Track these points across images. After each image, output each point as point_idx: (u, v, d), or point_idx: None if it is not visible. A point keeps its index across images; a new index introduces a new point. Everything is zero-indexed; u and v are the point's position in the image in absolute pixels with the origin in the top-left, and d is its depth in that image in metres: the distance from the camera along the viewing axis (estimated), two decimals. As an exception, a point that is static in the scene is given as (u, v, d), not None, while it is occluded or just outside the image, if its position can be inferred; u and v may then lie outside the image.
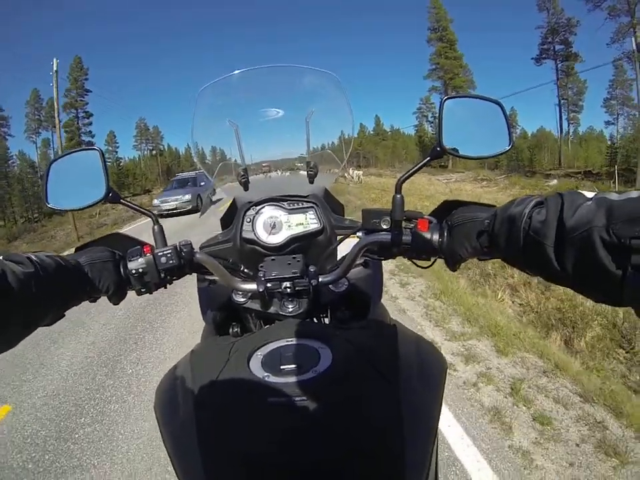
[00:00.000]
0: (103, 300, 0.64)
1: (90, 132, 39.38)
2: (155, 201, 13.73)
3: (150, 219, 0.72)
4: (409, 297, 3.88)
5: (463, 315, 3.27)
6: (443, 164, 38.77)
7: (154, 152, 54.42)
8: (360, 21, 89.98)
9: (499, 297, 3.93)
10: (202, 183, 14.11)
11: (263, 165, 1.12)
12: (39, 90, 37.10)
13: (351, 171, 23.02)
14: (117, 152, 49.44)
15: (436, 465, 0.61)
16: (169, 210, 12.81)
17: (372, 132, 57.21)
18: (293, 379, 0.52)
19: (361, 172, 24.03)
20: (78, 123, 38.35)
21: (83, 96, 38.23)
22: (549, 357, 2.57)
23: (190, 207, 12.90)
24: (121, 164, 42.89)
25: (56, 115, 14.09)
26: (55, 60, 13.07)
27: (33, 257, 0.50)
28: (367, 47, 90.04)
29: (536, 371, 2.46)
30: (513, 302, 4.02)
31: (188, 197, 13.27)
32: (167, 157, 56.96)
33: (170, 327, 3.62)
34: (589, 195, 0.40)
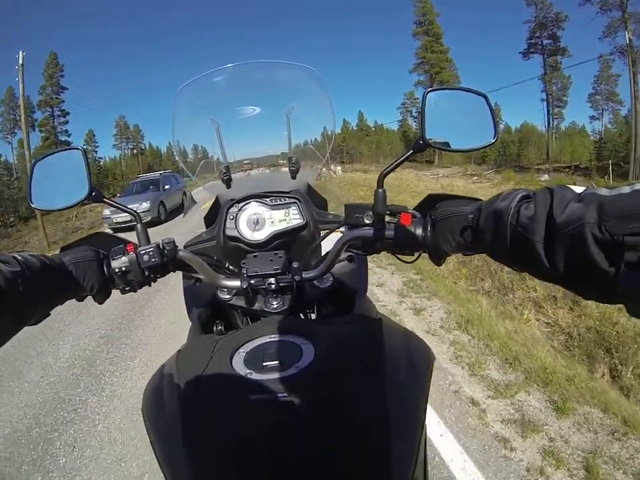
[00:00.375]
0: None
1: (66, 131, 37.83)
2: (106, 212, 10.30)
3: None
4: (429, 329, 3.12)
5: (499, 354, 2.64)
6: (428, 159, 38.83)
7: (134, 151, 52.91)
8: (342, 16, 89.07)
9: (524, 317, 3.42)
10: (166, 186, 11.80)
11: (245, 162, 1.12)
12: (14, 88, 35.27)
13: (333, 167, 23.84)
14: (96, 151, 48.05)
15: (424, 459, 0.60)
16: (121, 223, 9.56)
17: (355, 127, 56.84)
18: (275, 375, 0.52)
19: (339, 167, 25.09)
20: (54, 122, 36.82)
21: (58, 93, 36.51)
22: (614, 409, 2.07)
23: (149, 217, 9.67)
24: (101, 163, 41.70)
25: (22, 112, 12.97)
26: (20, 53, 11.97)
27: (18, 256, 0.50)
28: (349, 42, 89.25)
29: (605, 434, 1.94)
30: (538, 320, 3.56)
31: (146, 204, 10.02)
32: (149, 156, 55.68)
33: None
34: (578, 190, 0.40)
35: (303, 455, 0.44)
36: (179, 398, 0.53)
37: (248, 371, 0.54)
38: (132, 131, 52.82)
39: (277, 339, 0.61)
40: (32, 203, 0.69)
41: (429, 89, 0.61)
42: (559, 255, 0.38)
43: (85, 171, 0.67)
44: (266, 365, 0.54)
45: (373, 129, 56.90)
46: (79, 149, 0.69)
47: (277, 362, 0.55)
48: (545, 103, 36.40)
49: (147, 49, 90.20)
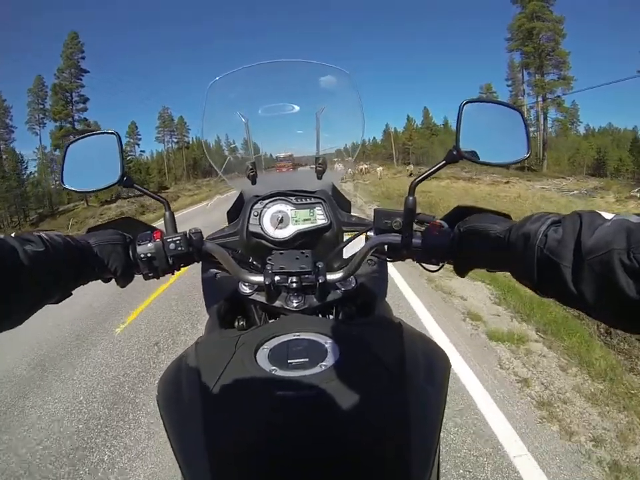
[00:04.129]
0: None
1: (85, 119, 33.45)
2: None
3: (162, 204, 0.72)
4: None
5: None
6: (531, 166, 30.99)
7: (179, 145, 48.87)
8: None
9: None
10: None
11: (281, 158, 1.13)
12: (42, 76, 31.73)
13: (364, 165, 24.21)
14: (138, 144, 43.97)
15: (438, 465, 0.60)
16: None
17: (420, 125, 49.29)
18: (301, 373, 0.52)
19: (380, 168, 25.49)
20: (71, 109, 32.51)
21: (78, 77, 32.32)
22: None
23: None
24: (129, 158, 37.04)
25: None
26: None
27: (44, 235, 0.51)
28: (415, 33, 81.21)
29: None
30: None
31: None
32: (196, 149, 51.46)
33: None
34: (608, 216, 0.39)
35: (328, 454, 0.44)
36: (200, 390, 0.53)
37: (273, 368, 0.54)
38: (176, 123, 48.91)
39: (301, 337, 0.61)
40: (63, 184, 0.70)
41: (466, 100, 0.60)
42: (586, 280, 0.37)
43: (118, 155, 0.67)
44: (291, 363, 0.54)
45: (442, 126, 48.90)
46: (113, 133, 0.69)
47: (302, 360, 0.55)
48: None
49: (195, 38, 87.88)
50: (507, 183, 22.47)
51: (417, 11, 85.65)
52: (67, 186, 0.70)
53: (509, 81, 39.90)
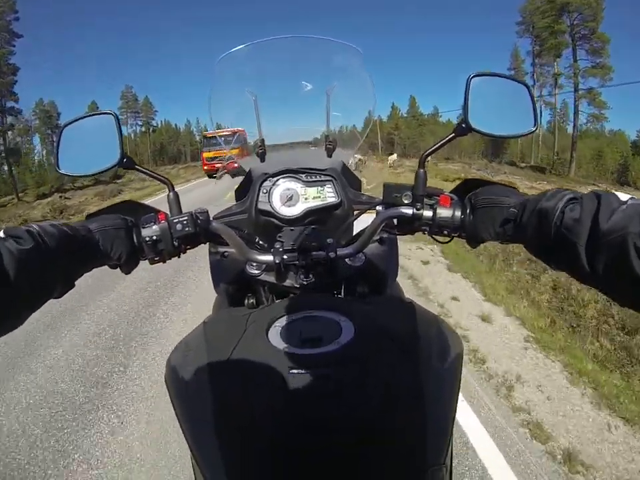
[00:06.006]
0: None
1: (13, 93, 26.83)
2: None
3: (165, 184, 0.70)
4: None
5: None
6: (554, 170, 28.17)
7: (144, 128, 43.87)
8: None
9: None
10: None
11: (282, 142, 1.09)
12: None
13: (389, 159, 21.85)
14: None
15: (452, 447, 0.59)
16: None
17: (406, 114, 45.93)
18: (314, 351, 0.51)
19: (394, 155, 23.39)
20: None
21: (8, 42, 25.54)
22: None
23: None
24: None
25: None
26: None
27: (35, 228, 0.47)
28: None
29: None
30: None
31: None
32: (163, 134, 46.51)
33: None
34: (624, 197, 0.41)
35: (343, 432, 0.44)
36: (210, 369, 0.52)
37: (285, 345, 0.53)
38: (141, 104, 43.71)
39: (314, 315, 0.60)
40: (59, 169, 0.67)
41: (474, 74, 0.61)
42: (600, 260, 0.39)
43: (116, 136, 0.65)
44: (304, 340, 0.54)
45: (427, 116, 45.58)
46: (110, 113, 0.66)
47: (315, 337, 0.54)
48: None
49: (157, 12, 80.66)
50: (532, 189, 19.28)
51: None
52: (62, 171, 0.67)
53: (512, 71, 35.91)
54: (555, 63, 31.97)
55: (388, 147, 41.37)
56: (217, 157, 16.18)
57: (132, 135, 43.96)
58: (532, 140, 34.68)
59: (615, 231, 0.37)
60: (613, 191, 0.41)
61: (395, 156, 23.81)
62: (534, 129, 0.61)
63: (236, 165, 1.31)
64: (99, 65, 71.87)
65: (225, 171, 1.83)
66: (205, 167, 17.85)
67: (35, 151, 36.34)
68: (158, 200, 11.19)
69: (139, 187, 15.96)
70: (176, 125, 49.14)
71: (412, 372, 0.50)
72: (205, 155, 18.21)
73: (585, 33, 28.40)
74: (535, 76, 33.49)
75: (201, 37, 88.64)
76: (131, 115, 43.79)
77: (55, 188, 22.87)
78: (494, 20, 62.23)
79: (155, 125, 45.84)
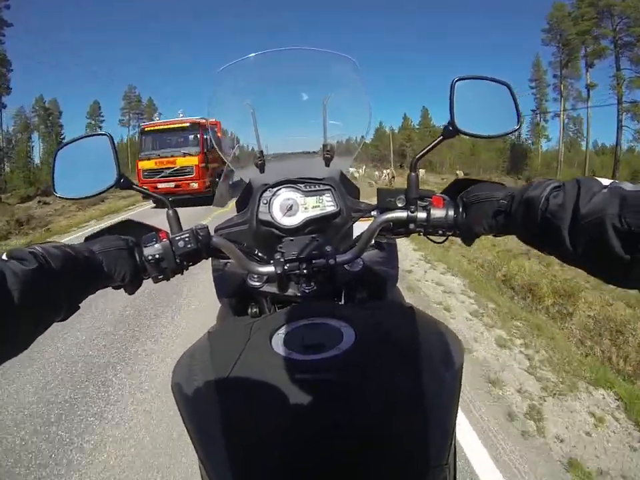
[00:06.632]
0: None
1: (7, 87, 25.95)
2: None
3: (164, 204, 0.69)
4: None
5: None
6: None
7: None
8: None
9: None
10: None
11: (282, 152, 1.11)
12: None
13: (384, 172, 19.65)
14: (100, 127, 38.47)
15: (455, 450, 0.60)
16: None
17: (418, 126, 45.87)
18: (317, 356, 0.52)
19: (388, 170, 20.38)
20: None
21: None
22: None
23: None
24: None
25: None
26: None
27: (38, 250, 0.47)
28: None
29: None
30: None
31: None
32: (166, 136, 46.14)
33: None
34: (605, 182, 0.42)
35: (347, 436, 0.45)
36: (216, 377, 0.53)
37: (289, 352, 0.54)
38: (145, 105, 43.42)
39: (315, 322, 0.61)
40: (56, 193, 0.67)
41: (457, 78, 0.63)
42: (582, 242, 0.41)
43: (112, 156, 0.65)
44: (307, 346, 0.55)
45: (440, 127, 45.52)
46: (105, 134, 0.66)
47: (317, 343, 0.55)
48: None
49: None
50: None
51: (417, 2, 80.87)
52: (59, 194, 0.66)
53: (532, 82, 34.51)
54: (588, 74, 29.11)
55: (400, 158, 40.98)
56: (167, 169, 10.10)
57: (135, 137, 43.67)
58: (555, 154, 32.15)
59: (594, 213, 0.39)
60: (595, 177, 0.44)
61: (389, 171, 20.08)
62: (517, 127, 0.64)
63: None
64: (101, 65, 72.16)
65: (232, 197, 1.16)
66: (144, 186, 6.79)
67: (34, 148, 36.09)
68: (143, 211, 10.32)
69: (125, 194, 13.92)
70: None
71: (412, 376, 0.51)
72: (142, 164, 10.52)
73: (628, 40, 25.33)
74: (561, 87, 30.93)
75: (208, 39, 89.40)
76: (133, 116, 43.37)
77: (40, 190, 21.18)
78: (510, 32, 62.85)
79: (157, 127, 45.73)
